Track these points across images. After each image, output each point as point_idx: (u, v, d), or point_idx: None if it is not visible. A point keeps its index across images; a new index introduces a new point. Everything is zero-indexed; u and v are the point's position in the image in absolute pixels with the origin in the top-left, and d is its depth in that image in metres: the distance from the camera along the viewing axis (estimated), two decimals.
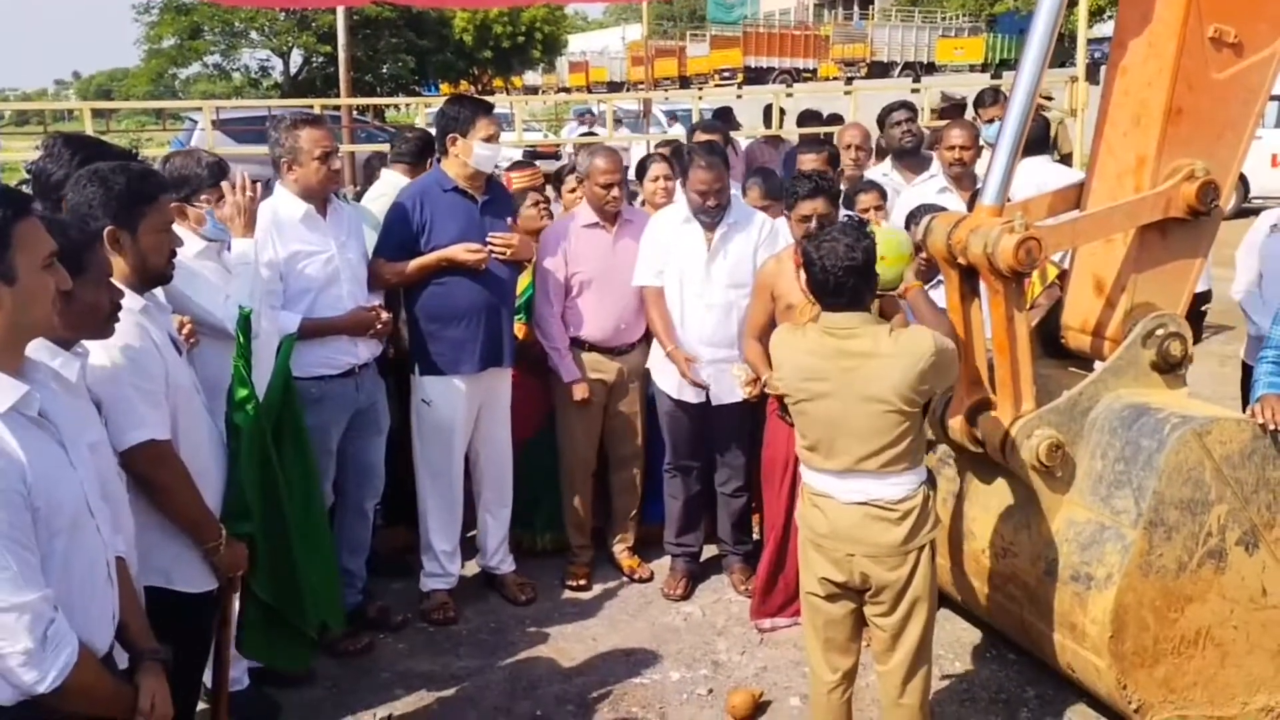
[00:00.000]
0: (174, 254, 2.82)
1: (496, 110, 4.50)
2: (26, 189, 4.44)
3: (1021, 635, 3.79)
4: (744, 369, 4.24)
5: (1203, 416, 3.38)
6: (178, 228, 3.33)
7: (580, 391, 4.62)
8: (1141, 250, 3.70)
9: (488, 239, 4.27)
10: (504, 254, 4.30)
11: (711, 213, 4.38)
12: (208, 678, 3.05)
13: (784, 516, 4.20)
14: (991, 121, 6.62)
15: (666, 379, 4.61)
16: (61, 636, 1.90)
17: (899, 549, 3.08)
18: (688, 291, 4.45)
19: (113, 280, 2.45)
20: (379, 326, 4.11)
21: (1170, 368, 3.62)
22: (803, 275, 3.19)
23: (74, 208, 2.62)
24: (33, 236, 1.94)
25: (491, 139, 4.23)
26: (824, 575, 3.17)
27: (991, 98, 7.28)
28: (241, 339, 2.93)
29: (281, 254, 3.87)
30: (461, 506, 4.55)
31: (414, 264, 4.22)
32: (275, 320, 3.67)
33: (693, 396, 4.53)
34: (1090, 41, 10.40)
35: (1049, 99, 8.20)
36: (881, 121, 6.02)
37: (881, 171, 5.88)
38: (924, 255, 3.76)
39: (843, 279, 3.02)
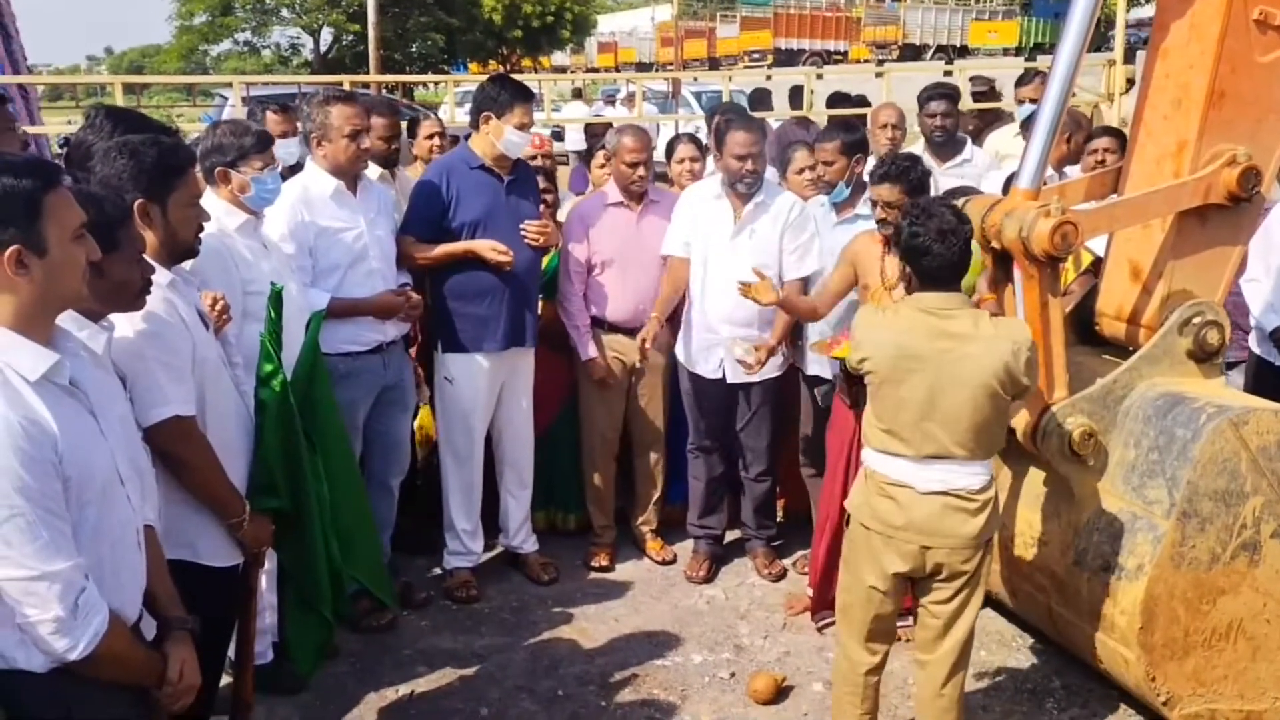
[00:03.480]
0: (201, 228, 2.82)
1: None
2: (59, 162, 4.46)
3: (1049, 625, 3.76)
4: (748, 347, 4.23)
5: (1239, 406, 3.32)
6: (219, 197, 3.36)
7: (598, 370, 4.62)
8: (1180, 237, 3.64)
9: (522, 227, 4.26)
10: (537, 240, 4.29)
11: (750, 180, 4.33)
12: (232, 650, 3.07)
13: (841, 507, 4.18)
14: (1023, 103, 6.49)
15: (683, 350, 4.59)
16: (92, 605, 1.91)
17: (974, 540, 3.01)
18: (711, 267, 4.42)
19: (144, 255, 2.45)
20: (408, 309, 4.11)
21: (1207, 356, 3.56)
22: (888, 258, 3.08)
23: (103, 180, 2.62)
24: (63, 207, 1.94)
25: (524, 127, 4.21)
26: (893, 570, 3.06)
27: (1028, 79, 7.12)
28: (272, 314, 2.93)
29: (311, 230, 3.87)
30: (481, 485, 4.55)
31: (440, 250, 4.21)
32: (304, 296, 3.68)
33: (706, 370, 4.51)
34: (1128, 25, 10.25)
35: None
36: (922, 102, 5.91)
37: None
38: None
39: (958, 258, 2.97)
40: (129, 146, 2.66)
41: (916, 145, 6.00)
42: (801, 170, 4.83)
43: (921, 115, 5.83)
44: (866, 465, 3.14)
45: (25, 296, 1.90)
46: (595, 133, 7.32)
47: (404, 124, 5.35)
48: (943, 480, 2.99)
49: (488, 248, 4.17)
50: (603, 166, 5.19)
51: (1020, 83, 6.73)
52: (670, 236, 4.55)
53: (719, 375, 4.49)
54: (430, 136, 5.38)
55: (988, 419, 2.97)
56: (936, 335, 2.95)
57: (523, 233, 4.26)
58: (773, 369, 4.47)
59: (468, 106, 4.86)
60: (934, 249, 2.94)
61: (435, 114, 5.71)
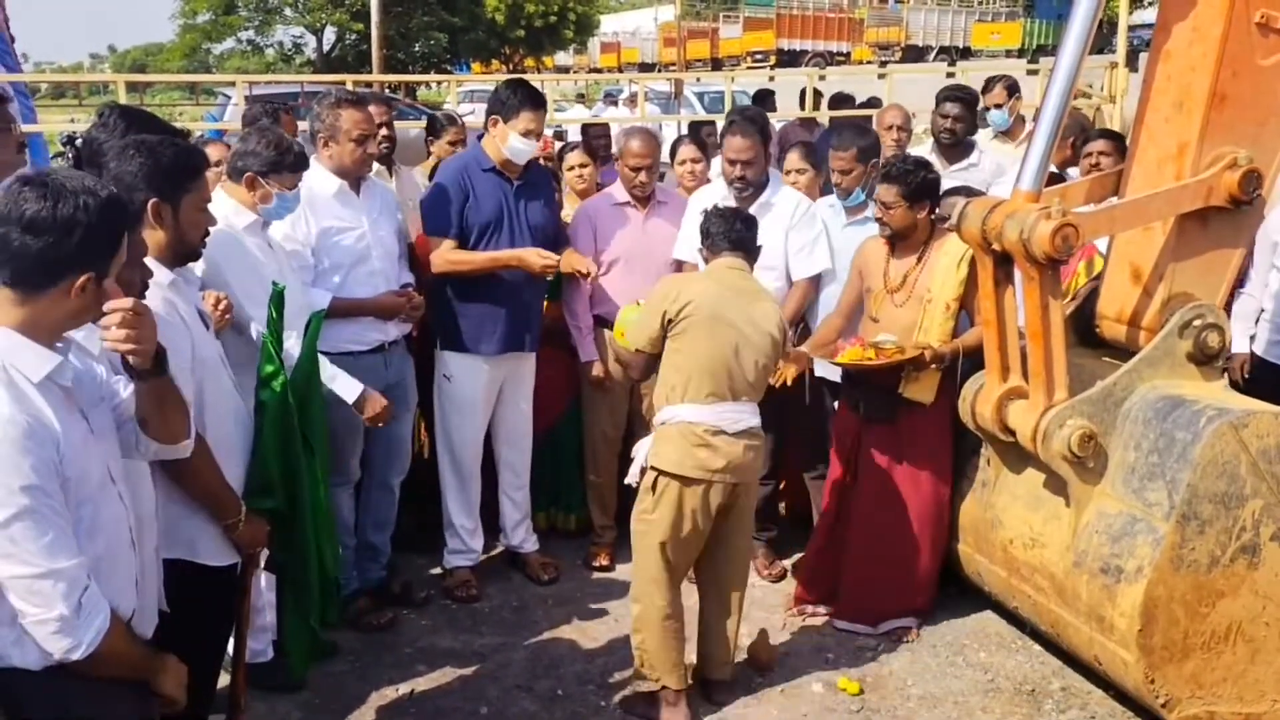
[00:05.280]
0: (208, 232, 2.82)
1: None
2: (63, 160, 4.45)
3: (1048, 627, 3.76)
4: None
5: (1239, 409, 3.32)
6: (232, 196, 3.36)
7: (597, 371, 4.62)
8: (1180, 239, 3.64)
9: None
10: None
11: (739, 185, 4.34)
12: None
13: (838, 501, 4.19)
14: (988, 109, 6.34)
15: None
16: (95, 604, 1.92)
17: (759, 474, 3.73)
18: None
19: (144, 260, 2.46)
20: (410, 310, 4.11)
21: (1207, 359, 3.56)
22: (892, 262, 3.82)
23: (117, 177, 2.58)
24: (131, 244, 2.00)
25: (530, 134, 4.19)
26: (714, 511, 3.48)
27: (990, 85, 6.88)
28: (274, 315, 2.93)
29: (314, 230, 3.87)
30: (479, 483, 4.55)
31: (483, 258, 4.19)
32: (306, 295, 3.68)
33: None
34: (1130, 28, 10.24)
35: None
36: (938, 101, 5.85)
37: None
38: None
39: (744, 227, 3.60)
40: (146, 145, 2.64)
41: (924, 146, 5.98)
42: (789, 172, 4.82)
43: (935, 114, 5.77)
44: (680, 421, 3.45)
45: (58, 312, 1.93)
46: (593, 134, 7.25)
47: (422, 122, 5.29)
48: (744, 422, 3.47)
49: (534, 256, 4.15)
50: (571, 169, 5.16)
51: (985, 89, 6.53)
52: (681, 242, 4.56)
53: None
54: (454, 143, 5.30)
55: (767, 368, 3.54)
56: (742, 292, 3.50)
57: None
58: None
59: (468, 106, 4.86)
60: (740, 223, 3.60)
61: (461, 120, 5.59)
